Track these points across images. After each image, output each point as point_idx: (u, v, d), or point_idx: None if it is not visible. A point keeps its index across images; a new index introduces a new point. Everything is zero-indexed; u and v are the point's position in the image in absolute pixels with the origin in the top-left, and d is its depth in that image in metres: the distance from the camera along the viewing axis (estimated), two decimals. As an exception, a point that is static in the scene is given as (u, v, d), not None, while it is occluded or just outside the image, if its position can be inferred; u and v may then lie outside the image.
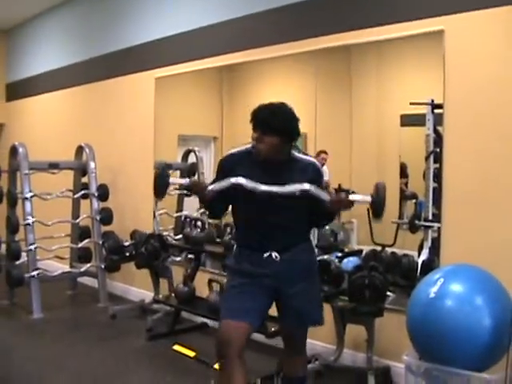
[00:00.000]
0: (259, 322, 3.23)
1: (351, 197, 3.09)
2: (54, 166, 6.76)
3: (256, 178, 3.09)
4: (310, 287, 3.25)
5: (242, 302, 3.09)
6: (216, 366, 4.48)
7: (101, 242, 6.58)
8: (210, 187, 3.11)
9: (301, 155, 3.22)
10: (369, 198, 3.11)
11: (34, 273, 6.23)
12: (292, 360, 3.40)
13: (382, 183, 3.19)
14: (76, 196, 6.91)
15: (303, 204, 3.13)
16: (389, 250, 4.68)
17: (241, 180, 3.06)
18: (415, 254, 4.51)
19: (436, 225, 4.24)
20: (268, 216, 3.10)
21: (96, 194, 6.77)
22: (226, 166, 3.22)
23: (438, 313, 3.03)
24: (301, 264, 3.18)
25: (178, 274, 5.71)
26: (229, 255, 3.35)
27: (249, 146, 3.17)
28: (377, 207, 3.17)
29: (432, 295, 3.09)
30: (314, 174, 3.15)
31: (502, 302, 2.92)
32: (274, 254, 3.11)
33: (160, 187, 3.70)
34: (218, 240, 5.61)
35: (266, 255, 3.12)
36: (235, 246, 3.34)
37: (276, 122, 3.00)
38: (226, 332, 3.06)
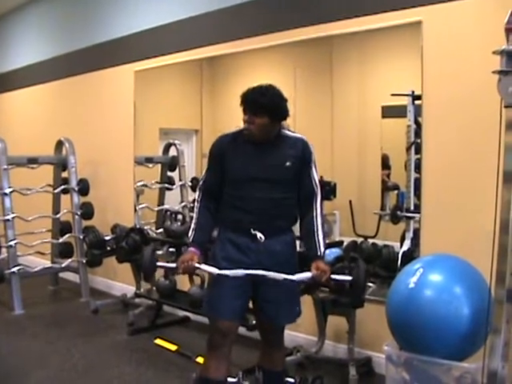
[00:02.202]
0: (243, 318, 3.37)
1: (333, 276, 3.11)
2: (33, 161, 6.70)
3: (246, 158, 3.14)
4: (288, 285, 3.19)
5: (231, 301, 3.11)
6: (198, 359, 4.51)
7: (82, 237, 6.54)
8: (198, 265, 3.10)
9: (289, 132, 3.23)
10: (349, 278, 3.19)
11: (15, 269, 6.18)
12: (269, 353, 3.38)
13: (362, 265, 3.26)
14: (56, 191, 6.85)
15: (291, 182, 3.14)
16: (371, 241, 4.69)
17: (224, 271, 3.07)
18: (398, 244, 4.53)
19: (417, 215, 4.25)
20: (256, 193, 3.10)
21: (76, 189, 6.73)
22: (217, 151, 3.24)
23: (417, 303, 3.04)
24: (283, 258, 3.14)
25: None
26: (213, 244, 3.31)
27: (240, 127, 3.17)
28: (355, 289, 3.25)
29: (411, 285, 3.10)
30: (303, 150, 3.16)
31: (480, 291, 2.93)
32: (259, 235, 3.09)
33: (148, 271, 3.66)
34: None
35: (252, 232, 3.09)
36: (218, 230, 3.31)
37: (265, 103, 3.02)
38: (223, 325, 3.13)
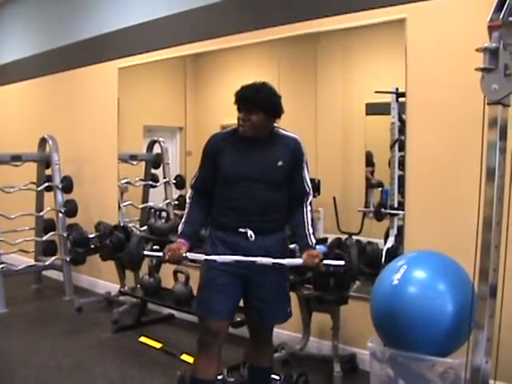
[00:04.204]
0: (233, 317, 3.36)
1: (324, 262, 3.07)
2: (16, 159, 6.64)
3: (239, 157, 3.14)
4: (278, 283, 3.24)
5: (222, 301, 3.12)
6: (182, 356, 4.51)
7: (65, 235, 6.50)
8: (186, 254, 3.11)
9: (283, 131, 3.22)
10: (342, 263, 3.13)
11: (-2, 267, 6.13)
12: (257, 350, 3.40)
13: (354, 248, 3.22)
14: (40, 188, 6.81)
15: (283, 182, 3.15)
16: (355, 238, 4.70)
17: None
18: (382, 241, 4.54)
19: (401, 213, 4.27)
20: (248, 192, 3.10)
21: (60, 186, 6.69)
22: (210, 150, 3.23)
23: (401, 299, 3.04)
24: (274, 256, 3.11)
25: (143, 265, 5.65)
26: (204, 242, 3.32)
27: (234, 126, 3.17)
28: (349, 273, 3.20)
29: (395, 282, 3.10)
30: (295, 149, 3.16)
31: (464, 287, 2.93)
32: (250, 233, 3.09)
33: (134, 260, 3.56)
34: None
35: (241, 231, 3.09)
36: (208, 230, 3.31)
37: (260, 99, 3.02)
38: (214, 325, 3.12)
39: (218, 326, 3.12)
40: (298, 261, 3.06)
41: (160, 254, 3.23)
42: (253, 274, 3.12)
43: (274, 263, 2.98)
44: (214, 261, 3.03)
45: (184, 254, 3.11)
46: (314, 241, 3.13)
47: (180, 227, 3.25)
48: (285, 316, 3.29)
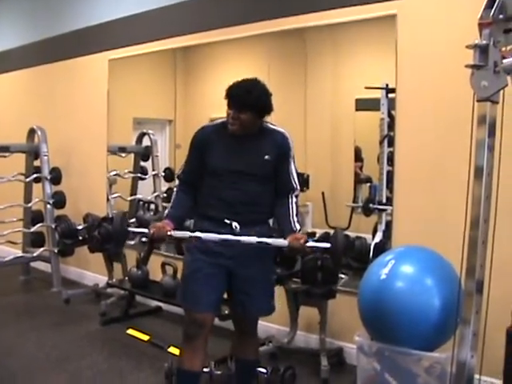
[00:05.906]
0: (219, 309, 3.41)
1: (309, 244, 3.08)
2: (4, 149, 6.58)
3: (227, 151, 3.16)
4: (263, 276, 3.26)
5: (207, 293, 3.14)
6: (170, 349, 4.52)
7: (54, 226, 6.47)
8: (170, 232, 3.13)
9: (271, 125, 3.24)
10: (327, 245, 3.12)
11: (-15, 258, 6.11)
12: (242, 342, 3.41)
13: (340, 232, 3.22)
14: (28, 180, 6.77)
15: (269, 176, 3.17)
16: (344, 232, 4.71)
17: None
18: (370, 236, 4.56)
19: (390, 208, 4.29)
20: (234, 185, 3.12)
21: (48, 178, 6.65)
22: (198, 142, 3.25)
23: (388, 294, 3.06)
24: (257, 250, 3.13)
25: (131, 257, 5.66)
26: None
27: (223, 119, 3.18)
28: (335, 256, 3.21)
29: (383, 276, 3.12)
30: (282, 144, 3.18)
31: (451, 282, 2.95)
32: (234, 224, 3.11)
33: (119, 237, 3.45)
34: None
35: (226, 222, 3.11)
36: (194, 220, 3.34)
37: (251, 100, 3.02)
38: (199, 317, 3.13)
39: (204, 318, 3.13)
40: (283, 242, 3.06)
41: (145, 230, 3.23)
42: (237, 267, 3.14)
43: (258, 242, 3.01)
44: (199, 238, 3.06)
45: (169, 233, 3.13)
46: (298, 227, 3.14)
47: (166, 211, 3.31)
48: (268, 309, 3.31)
